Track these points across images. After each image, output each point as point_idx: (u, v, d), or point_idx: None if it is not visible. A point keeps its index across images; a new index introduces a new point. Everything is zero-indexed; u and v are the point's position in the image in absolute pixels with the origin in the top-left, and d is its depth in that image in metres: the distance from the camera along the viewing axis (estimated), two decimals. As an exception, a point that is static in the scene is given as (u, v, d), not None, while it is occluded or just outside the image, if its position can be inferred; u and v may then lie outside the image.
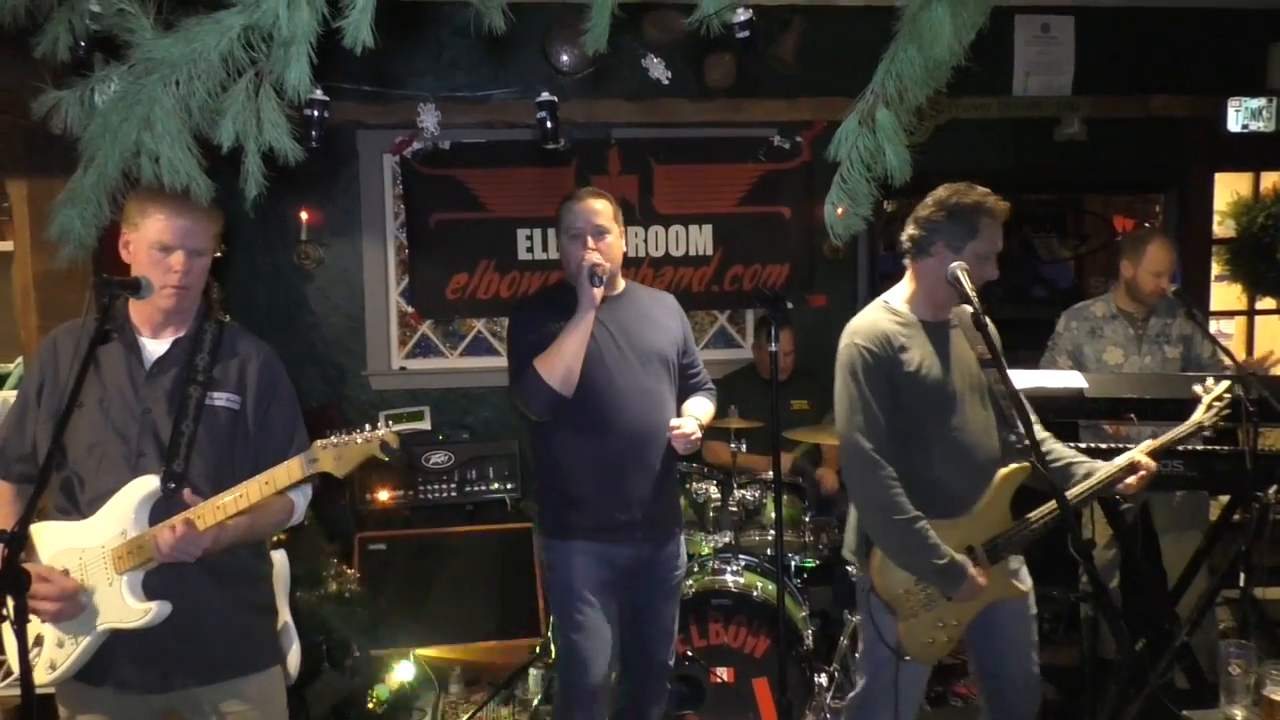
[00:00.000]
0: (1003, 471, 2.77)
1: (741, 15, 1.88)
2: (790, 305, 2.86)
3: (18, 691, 2.03)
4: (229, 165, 1.70)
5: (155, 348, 2.35)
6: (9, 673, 2.27)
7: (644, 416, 2.97)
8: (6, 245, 4.14)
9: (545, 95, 3.05)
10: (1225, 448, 3.38)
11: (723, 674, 3.68)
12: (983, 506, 2.75)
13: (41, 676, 2.20)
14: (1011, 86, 5.38)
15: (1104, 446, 3.35)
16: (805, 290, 5.48)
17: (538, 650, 4.20)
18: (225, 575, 2.33)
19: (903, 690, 2.77)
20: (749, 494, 4.14)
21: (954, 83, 1.88)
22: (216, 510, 2.19)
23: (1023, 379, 3.17)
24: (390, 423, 2.31)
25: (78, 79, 1.73)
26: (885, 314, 2.81)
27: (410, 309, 5.35)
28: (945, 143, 5.15)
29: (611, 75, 4.99)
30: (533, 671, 4.18)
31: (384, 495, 4.65)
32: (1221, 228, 5.72)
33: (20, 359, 4.14)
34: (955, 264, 2.69)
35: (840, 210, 1.87)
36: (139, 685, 2.27)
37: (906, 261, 2.87)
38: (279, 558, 2.60)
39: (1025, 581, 2.88)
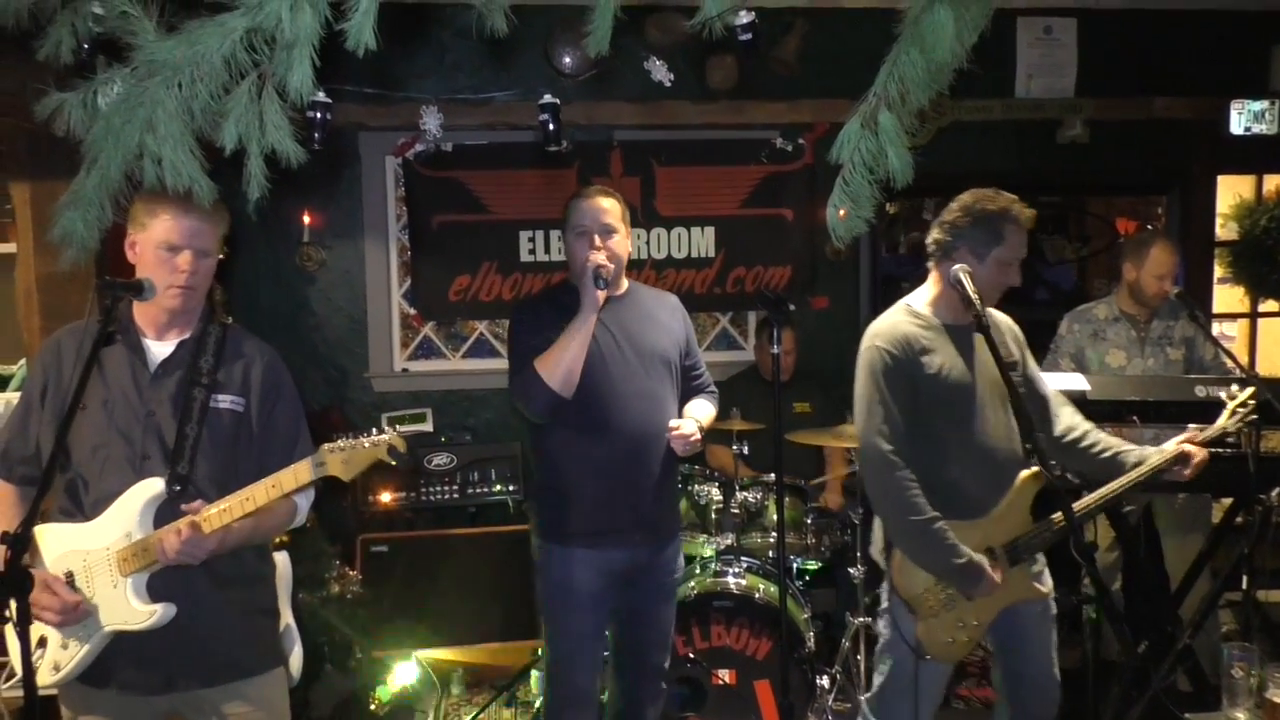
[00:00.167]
0: (1024, 474, 2.78)
1: (744, 17, 1.88)
2: (793, 307, 2.86)
3: (20, 693, 2.03)
4: (231, 167, 1.70)
5: (160, 350, 2.35)
6: (12, 673, 2.27)
7: (644, 418, 2.93)
8: (9, 247, 4.14)
9: (547, 97, 3.04)
10: (1228, 450, 3.37)
11: (724, 676, 3.68)
12: (1003, 508, 2.77)
13: (45, 678, 2.21)
14: (1014, 89, 5.38)
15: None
16: (807, 292, 5.48)
17: (539, 652, 4.19)
18: (228, 577, 2.33)
19: (923, 689, 2.79)
20: (751, 496, 4.14)
21: (956, 85, 1.88)
22: (222, 514, 2.19)
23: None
24: (396, 426, 2.30)
25: (80, 81, 1.73)
26: (907, 317, 2.83)
27: (412, 311, 5.35)
28: (948, 145, 5.15)
29: (614, 77, 5.00)
30: (534, 673, 4.17)
31: (386, 497, 4.65)
32: (1224, 230, 5.71)
33: (23, 361, 4.15)
34: (957, 266, 2.72)
35: (843, 212, 1.87)
36: (143, 687, 2.27)
37: (930, 265, 2.88)
38: (281, 559, 2.60)
39: (1046, 583, 2.90)
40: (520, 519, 4.67)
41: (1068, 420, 2.96)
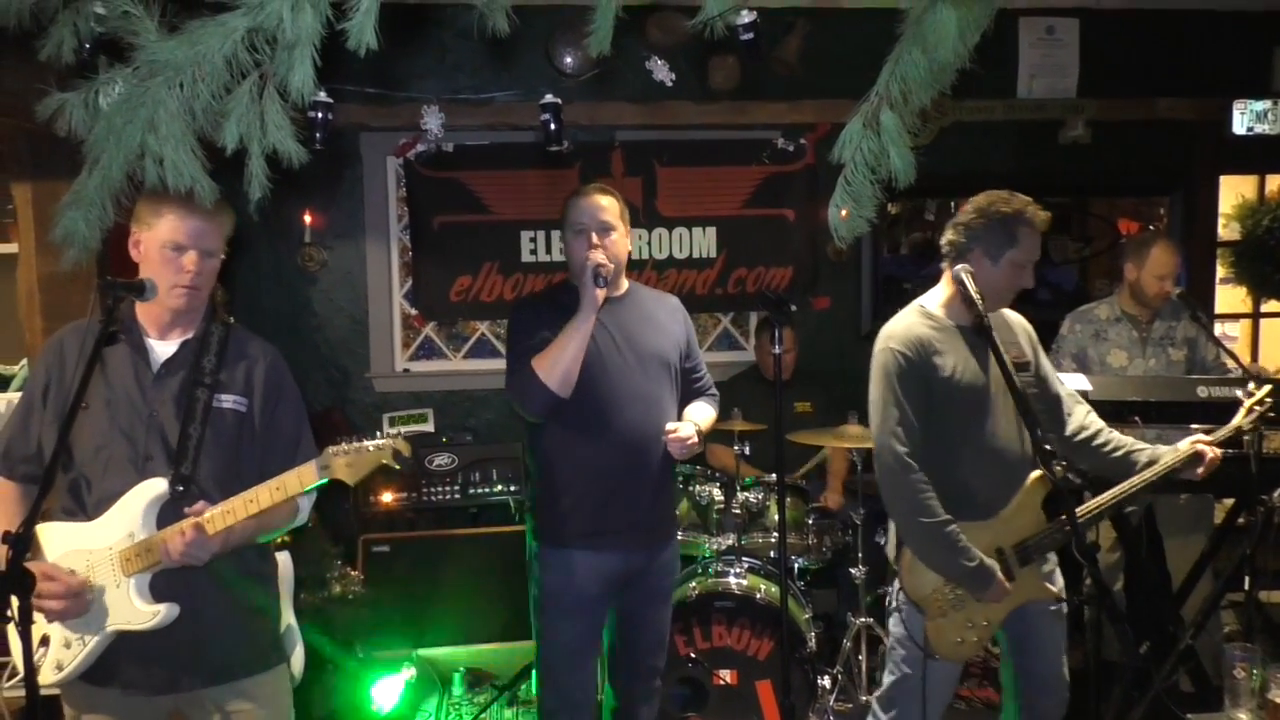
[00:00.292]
0: (1035, 475, 2.78)
1: (745, 17, 1.88)
2: (794, 308, 2.86)
3: (22, 692, 2.03)
4: (233, 168, 1.70)
5: (163, 350, 2.35)
6: (14, 672, 2.27)
7: (642, 421, 2.91)
8: (11, 248, 4.15)
9: (549, 97, 3.04)
10: (1230, 451, 3.37)
11: (726, 676, 3.68)
12: (1014, 509, 2.78)
13: (48, 677, 2.21)
14: (1016, 89, 5.38)
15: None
16: (809, 292, 5.48)
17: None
18: (230, 577, 2.32)
19: (931, 689, 2.80)
20: (752, 496, 4.14)
21: (958, 85, 1.88)
22: (226, 515, 2.19)
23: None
24: (400, 430, 2.30)
25: (82, 82, 1.73)
26: (921, 318, 2.84)
27: (414, 311, 5.36)
28: (949, 145, 5.16)
29: (615, 78, 5.00)
30: (536, 673, 4.17)
31: (388, 497, 4.65)
32: (1226, 230, 5.71)
33: (25, 361, 4.15)
34: (959, 266, 2.73)
35: (844, 212, 1.87)
36: (146, 687, 2.27)
37: (944, 266, 2.88)
38: (283, 559, 2.60)
39: (1057, 583, 2.90)
40: (522, 519, 4.67)
41: (1080, 419, 2.97)
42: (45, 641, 2.23)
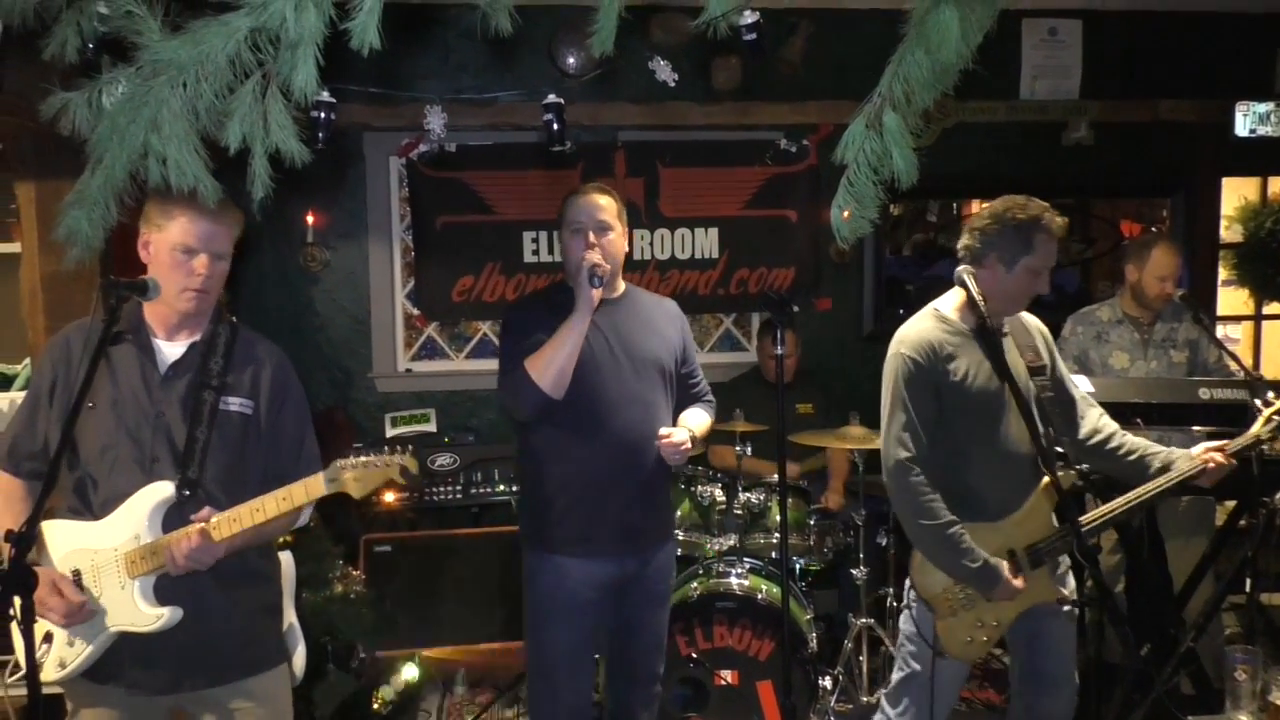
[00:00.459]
0: (1046, 479, 2.78)
1: (748, 18, 1.88)
2: (796, 309, 2.85)
3: (24, 691, 2.03)
4: (236, 167, 1.71)
5: (170, 351, 2.35)
6: (17, 667, 2.27)
7: (635, 425, 2.86)
8: (14, 247, 4.15)
9: (551, 97, 3.04)
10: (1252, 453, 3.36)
11: (727, 676, 3.68)
12: (1026, 512, 2.79)
13: (50, 674, 2.21)
14: (1019, 90, 5.38)
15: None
16: (811, 294, 5.48)
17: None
18: (233, 579, 2.32)
19: (941, 687, 2.82)
20: (754, 497, 4.14)
21: (961, 86, 1.87)
22: (232, 523, 2.20)
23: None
24: (409, 447, 2.31)
25: (86, 81, 1.73)
26: (935, 323, 2.84)
27: (416, 311, 5.36)
28: (952, 147, 5.16)
29: (618, 78, 5.00)
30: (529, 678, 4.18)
31: (389, 497, 4.65)
32: (1229, 232, 5.71)
33: (28, 360, 4.15)
34: (960, 268, 2.74)
35: (847, 213, 1.87)
36: (149, 687, 2.28)
37: (959, 267, 2.88)
38: (285, 559, 2.60)
39: (1069, 585, 2.90)
40: (524, 520, 4.67)
41: (1093, 422, 2.97)
42: (49, 638, 2.23)
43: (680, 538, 4.12)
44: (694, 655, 3.68)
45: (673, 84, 4.82)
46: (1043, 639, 2.89)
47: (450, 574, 4.56)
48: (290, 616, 2.55)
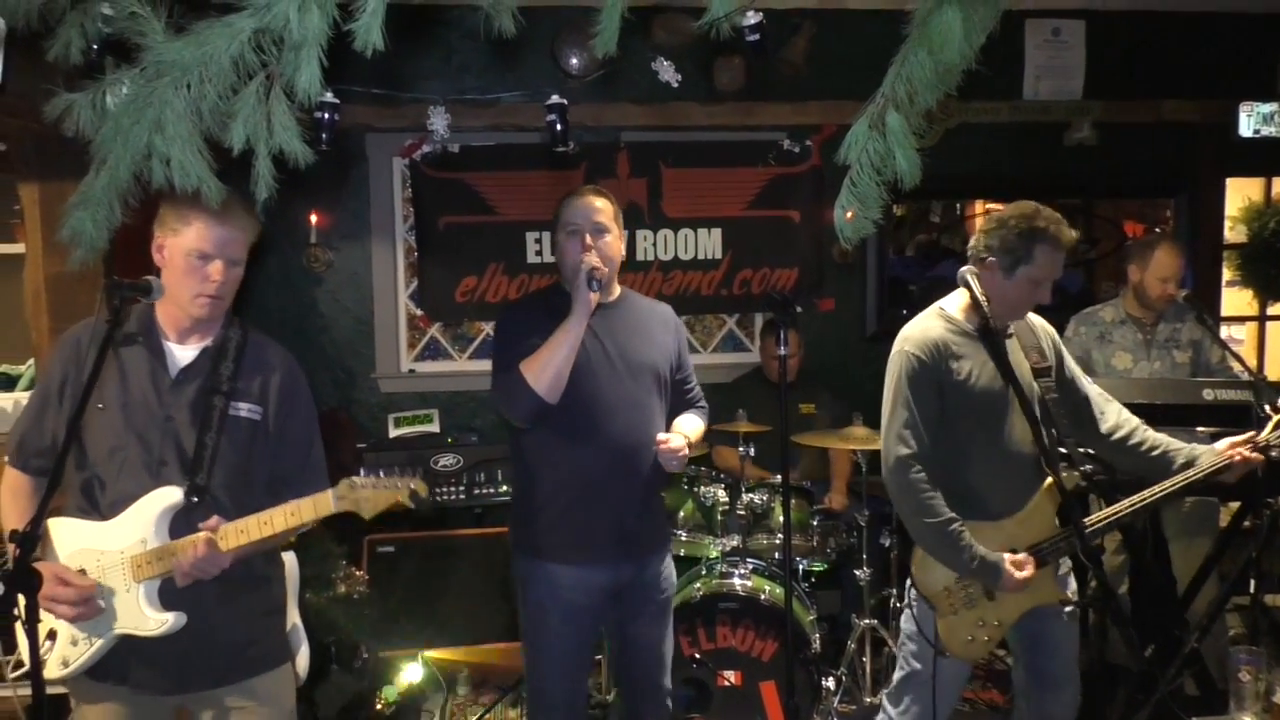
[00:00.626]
0: (1049, 479, 2.78)
1: (751, 18, 1.88)
2: (799, 309, 2.85)
3: (28, 690, 2.04)
4: (239, 168, 1.71)
5: (181, 354, 2.35)
6: (19, 663, 2.28)
7: (630, 431, 2.82)
8: (18, 248, 4.16)
9: (555, 98, 3.04)
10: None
11: (730, 677, 3.68)
12: (1028, 512, 2.79)
13: (53, 671, 2.22)
14: (1022, 91, 5.37)
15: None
16: (814, 294, 5.48)
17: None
18: (237, 583, 2.32)
19: (942, 686, 2.81)
20: (757, 497, 4.14)
21: (964, 87, 1.87)
22: (240, 534, 2.21)
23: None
24: (420, 471, 2.31)
25: (89, 82, 1.74)
26: (940, 322, 2.84)
27: (419, 312, 5.36)
28: (955, 147, 5.15)
29: (620, 79, 5.00)
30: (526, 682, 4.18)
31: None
32: (1232, 233, 5.70)
33: (32, 361, 4.16)
34: (964, 269, 2.74)
35: (850, 214, 1.87)
36: (153, 688, 2.29)
37: (968, 268, 2.88)
38: (289, 559, 2.61)
39: (1071, 586, 2.91)
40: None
41: (1114, 418, 2.97)
42: (52, 636, 2.24)
43: (683, 538, 4.12)
44: (697, 656, 3.68)
45: (676, 84, 4.84)
46: (1045, 641, 2.90)
47: (453, 574, 4.56)
48: (294, 617, 2.56)
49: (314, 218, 5.16)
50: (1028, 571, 2.71)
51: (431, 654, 4.47)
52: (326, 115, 2.35)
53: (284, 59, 1.59)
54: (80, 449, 2.25)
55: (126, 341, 2.31)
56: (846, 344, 5.48)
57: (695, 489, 4.20)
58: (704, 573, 3.93)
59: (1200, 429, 3.43)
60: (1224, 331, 5.70)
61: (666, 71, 4.80)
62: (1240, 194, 5.75)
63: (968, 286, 2.72)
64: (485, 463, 4.69)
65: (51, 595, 2.12)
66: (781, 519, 3.66)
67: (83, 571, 2.23)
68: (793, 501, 3.93)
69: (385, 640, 4.29)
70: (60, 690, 2.36)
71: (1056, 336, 3.03)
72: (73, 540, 2.27)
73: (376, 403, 5.31)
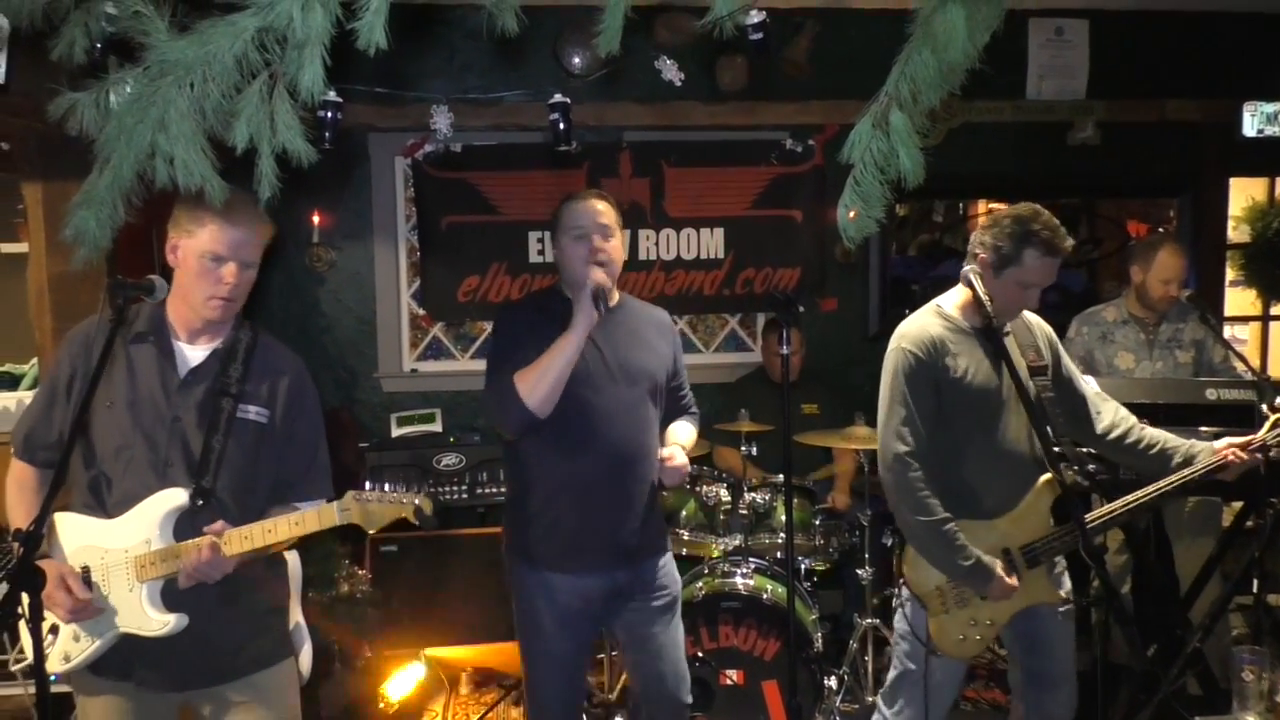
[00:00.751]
0: (1044, 478, 2.78)
1: (754, 17, 1.88)
2: (802, 309, 2.84)
3: (31, 689, 2.04)
4: (243, 167, 1.71)
5: (191, 355, 2.35)
6: (22, 652, 2.29)
7: (626, 439, 2.78)
8: (21, 247, 4.16)
9: (558, 96, 3.04)
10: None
11: (732, 676, 3.68)
12: (1022, 511, 2.79)
13: (54, 665, 2.22)
14: (1025, 90, 5.37)
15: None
16: (816, 294, 5.48)
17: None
18: (240, 583, 2.32)
19: (937, 685, 2.82)
20: (759, 497, 4.14)
21: (967, 86, 1.87)
22: (244, 540, 2.21)
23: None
24: (426, 490, 2.32)
25: (93, 81, 1.74)
26: (937, 319, 2.84)
27: (421, 311, 5.36)
28: (958, 147, 5.15)
29: (623, 78, 5.00)
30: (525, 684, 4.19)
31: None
32: (1236, 233, 5.70)
33: (35, 360, 4.17)
34: (967, 268, 2.74)
35: (853, 213, 1.87)
36: (155, 684, 2.30)
37: (965, 265, 2.88)
38: (292, 558, 2.61)
39: (1066, 585, 2.90)
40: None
41: (1111, 417, 2.96)
42: (54, 630, 2.24)
43: (685, 537, 4.13)
44: (699, 655, 3.68)
45: (679, 83, 4.84)
46: (1041, 641, 2.89)
47: (456, 574, 4.56)
48: (297, 615, 2.56)
49: (316, 217, 5.17)
50: (1015, 580, 2.71)
51: (434, 653, 4.48)
52: (329, 114, 2.34)
53: (287, 58, 1.59)
54: (88, 446, 2.25)
55: (137, 340, 2.31)
56: (849, 344, 5.48)
57: (697, 488, 4.20)
58: (706, 572, 3.93)
59: (1203, 429, 3.43)
60: (1227, 331, 5.69)
61: (670, 70, 4.80)
62: (1244, 194, 5.74)
63: (971, 286, 2.71)
64: (487, 462, 4.69)
65: (49, 596, 2.12)
66: (783, 518, 3.66)
67: (86, 569, 2.23)
68: (795, 501, 3.93)
69: (388, 639, 4.30)
70: (66, 689, 2.36)
71: (1054, 335, 3.02)
72: (78, 536, 2.27)
73: (379, 402, 5.31)
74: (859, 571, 4.18)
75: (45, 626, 2.09)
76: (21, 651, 2.27)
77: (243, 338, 2.39)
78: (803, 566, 4.18)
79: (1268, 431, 2.92)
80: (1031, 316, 3.00)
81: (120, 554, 2.23)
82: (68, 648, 2.24)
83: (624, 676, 3.70)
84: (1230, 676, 2.44)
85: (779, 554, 4.04)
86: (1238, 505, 3.72)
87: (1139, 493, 2.84)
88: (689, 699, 2.99)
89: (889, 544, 4.27)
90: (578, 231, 2.81)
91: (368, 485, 4.62)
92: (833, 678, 3.93)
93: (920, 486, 2.70)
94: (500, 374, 2.72)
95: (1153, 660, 3.27)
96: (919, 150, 1.80)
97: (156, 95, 1.64)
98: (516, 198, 5.26)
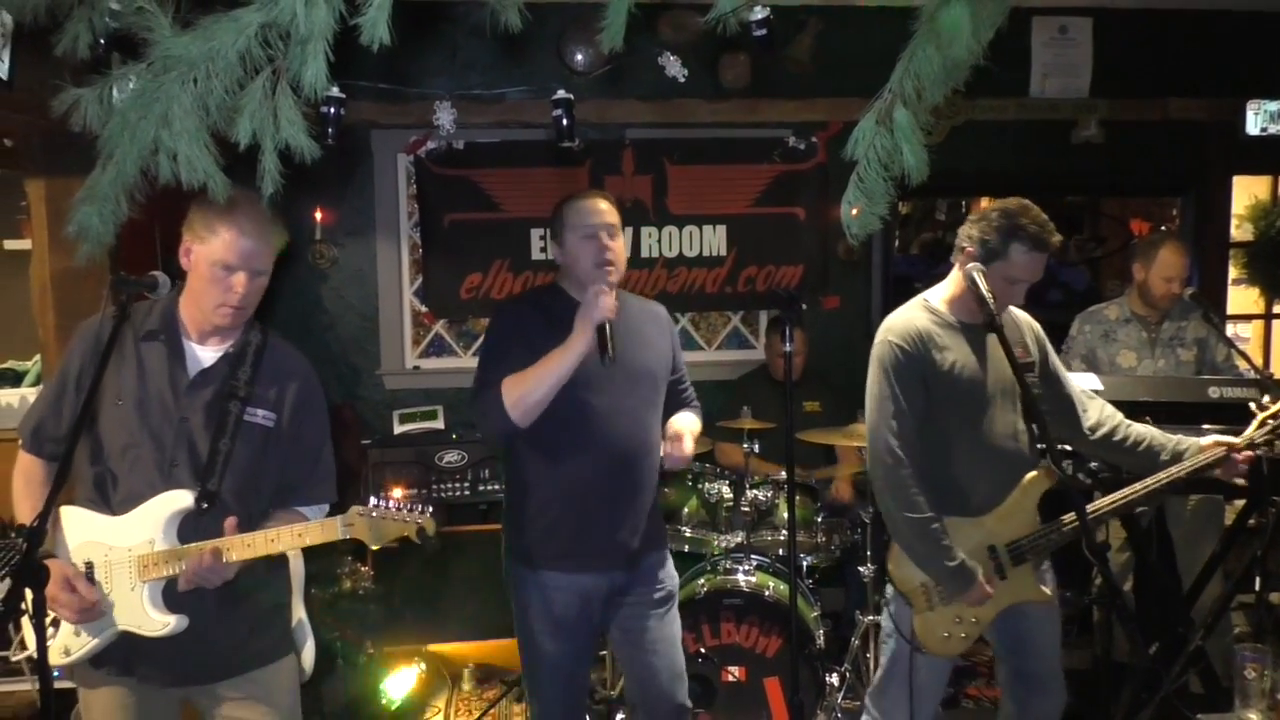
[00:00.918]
0: (1030, 475, 2.78)
1: (759, 13, 1.88)
2: (804, 307, 2.83)
3: (29, 686, 2.05)
4: (246, 163, 1.71)
5: (201, 355, 2.35)
6: (22, 645, 2.29)
7: (626, 438, 2.76)
8: (25, 244, 4.16)
9: (561, 93, 3.03)
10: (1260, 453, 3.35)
11: (734, 673, 3.68)
12: (1008, 507, 2.78)
13: (54, 658, 2.22)
14: (1029, 88, 5.36)
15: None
16: (819, 291, 5.47)
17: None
18: (242, 579, 2.32)
19: (922, 684, 2.81)
20: (761, 494, 4.14)
21: (971, 84, 1.87)
22: (246, 547, 2.22)
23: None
24: (430, 511, 2.33)
25: (96, 77, 1.74)
26: (923, 312, 2.84)
27: (424, 309, 5.36)
28: (962, 145, 5.14)
29: (626, 76, 4.99)
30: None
31: (398, 494, 4.66)
32: (1239, 231, 5.70)
33: (38, 356, 4.17)
34: (971, 265, 2.72)
35: (856, 210, 1.87)
36: (155, 680, 2.31)
37: (953, 260, 2.88)
38: (294, 556, 2.61)
39: (1050, 584, 2.90)
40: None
41: (1096, 415, 2.96)
42: (56, 623, 2.24)
43: (687, 534, 4.13)
44: (701, 651, 3.68)
45: (682, 79, 4.84)
46: (1027, 640, 2.88)
47: (458, 570, 4.58)
48: (299, 612, 2.56)
49: (319, 214, 5.17)
50: (991, 589, 2.71)
51: (436, 649, 4.48)
52: (333, 110, 2.35)
53: (290, 54, 1.59)
54: (96, 443, 2.26)
55: (148, 338, 2.32)
56: (851, 342, 5.47)
57: (699, 485, 4.21)
58: (708, 569, 3.93)
59: (1206, 427, 3.43)
60: (1229, 330, 5.69)
61: (673, 66, 4.80)
62: (1247, 192, 5.74)
63: (973, 284, 2.68)
64: (490, 459, 4.69)
65: (55, 597, 2.13)
66: (786, 515, 3.66)
67: (90, 564, 2.23)
68: (797, 498, 3.93)
69: (390, 636, 4.30)
70: (69, 684, 2.37)
71: (1041, 332, 3.00)
72: (82, 531, 2.27)
73: (381, 399, 5.31)
74: (861, 569, 4.17)
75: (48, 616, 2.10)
76: (22, 644, 2.28)
77: (253, 340, 2.40)
78: (805, 564, 4.18)
79: (1255, 429, 2.92)
80: (1019, 313, 2.98)
81: (123, 552, 2.24)
82: (68, 642, 2.25)
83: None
84: (1232, 675, 2.45)
85: (781, 551, 4.05)
86: (1240, 503, 3.72)
87: (1124, 490, 2.83)
88: (686, 700, 2.97)
89: (890, 541, 4.28)
90: (586, 230, 2.78)
91: (369, 483, 4.63)
92: (834, 675, 3.92)
93: (910, 483, 2.69)
94: (488, 382, 2.71)
95: (1155, 658, 3.27)
96: (923, 147, 1.79)
97: (160, 91, 1.64)
98: (519, 195, 5.26)
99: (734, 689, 3.69)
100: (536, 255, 5.30)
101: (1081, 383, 3.43)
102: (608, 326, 2.61)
